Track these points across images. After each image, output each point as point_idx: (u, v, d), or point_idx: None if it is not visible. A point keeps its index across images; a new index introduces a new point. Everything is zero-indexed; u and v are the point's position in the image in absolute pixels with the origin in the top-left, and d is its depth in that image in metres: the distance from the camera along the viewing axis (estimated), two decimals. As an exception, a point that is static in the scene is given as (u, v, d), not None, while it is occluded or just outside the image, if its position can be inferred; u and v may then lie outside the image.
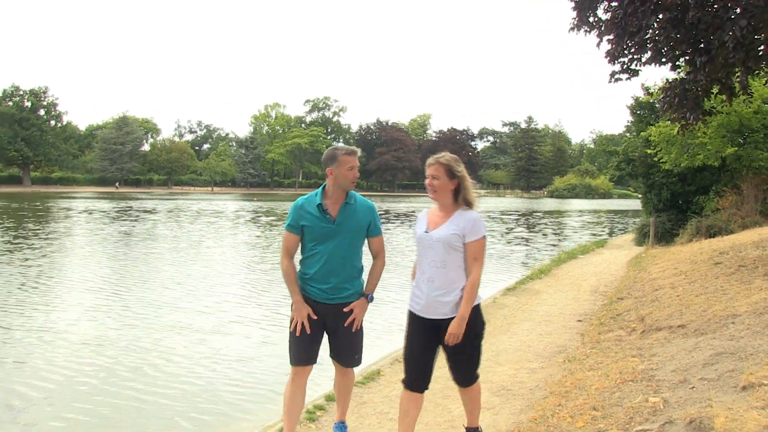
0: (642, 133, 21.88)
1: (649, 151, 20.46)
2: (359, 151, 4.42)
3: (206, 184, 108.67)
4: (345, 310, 4.33)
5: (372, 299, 4.46)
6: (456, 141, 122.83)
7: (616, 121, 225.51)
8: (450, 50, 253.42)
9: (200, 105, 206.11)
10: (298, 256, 4.45)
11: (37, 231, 25.61)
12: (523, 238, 28.66)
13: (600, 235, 30.02)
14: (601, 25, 10.22)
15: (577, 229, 36.33)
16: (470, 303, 3.97)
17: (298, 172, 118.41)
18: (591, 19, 10.38)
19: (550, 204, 74.00)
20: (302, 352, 4.36)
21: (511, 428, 4.91)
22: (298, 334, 4.31)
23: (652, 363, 5.48)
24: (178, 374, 7.53)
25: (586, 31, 10.44)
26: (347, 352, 4.47)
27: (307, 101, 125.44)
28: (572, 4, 10.39)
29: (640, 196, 27.94)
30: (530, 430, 4.60)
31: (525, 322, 9.24)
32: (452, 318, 3.98)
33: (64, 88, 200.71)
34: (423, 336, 4.14)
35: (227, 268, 16.76)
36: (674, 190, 22.07)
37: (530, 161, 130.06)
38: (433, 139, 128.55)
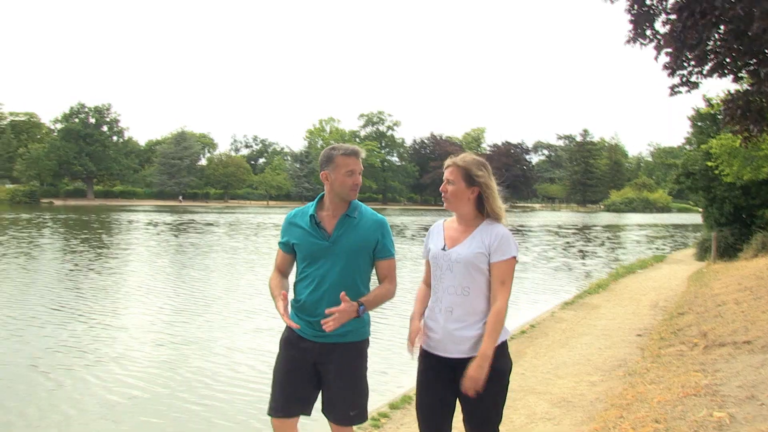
0: (703, 146, 21.46)
1: (710, 164, 20.04)
2: (363, 153, 3.56)
3: (262, 198, 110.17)
4: (328, 323, 3.23)
5: (363, 312, 3.40)
6: (510, 155, 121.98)
7: (675, 133, 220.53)
8: (505, 63, 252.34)
9: (256, 120, 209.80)
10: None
11: (114, 242, 26.66)
12: (580, 252, 28.32)
13: (659, 250, 29.45)
14: (659, 38, 10.18)
15: (635, 243, 35.68)
16: (495, 338, 3.11)
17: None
18: (648, 32, 10.35)
19: (606, 218, 72.74)
20: (278, 399, 3.51)
21: (573, 439, 4.94)
22: (287, 330, 3.55)
23: (716, 378, 5.44)
24: (249, 378, 7.76)
25: (642, 44, 10.40)
26: (341, 404, 3.46)
27: (362, 115, 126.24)
28: (629, 17, 10.37)
29: (700, 210, 27.31)
30: (592, 441, 4.62)
31: (584, 336, 9.20)
32: (473, 357, 3.11)
33: (125, 104, 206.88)
34: (438, 381, 3.28)
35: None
36: (737, 204, 21.54)
37: (586, 175, 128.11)
38: (488, 152, 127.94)
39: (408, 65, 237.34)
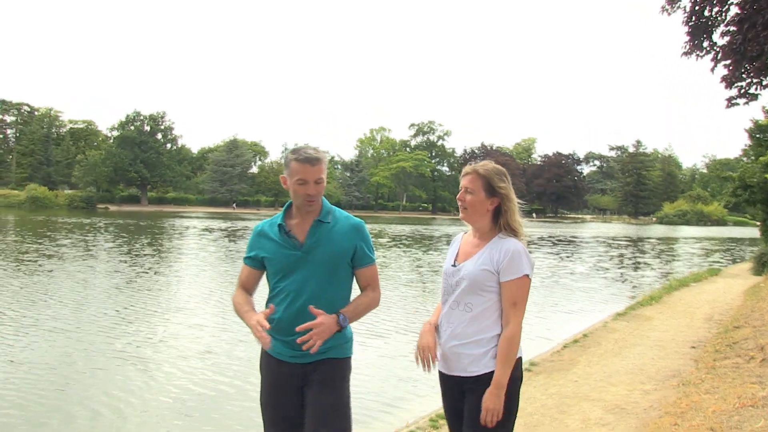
0: (761, 158, 21.04)
1: (768, 177, 19.67)
2: (326, 160, 3.11)
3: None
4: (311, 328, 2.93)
5: (345, 324, 3.08)
6: (561, 165, 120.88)
7: (732, 145, 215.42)
8: (557, 74, 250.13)
9: (306, 128, 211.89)
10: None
11: (180, 247, 27.78)
12: (634, 264, 27.99)
13: (714, 264, 28.91)
14: (717, 50, 10.15)
15: (689, 256, 35.06)
16: (508, 365, 2.95)
17: (401, 196, 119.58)
18: (705, 44, 10.33)
19: (659, 230, 71.47)
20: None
21: (627, 445, 5.03)
22: (262, 348, 3.13)
23: (773, 389, 5.46)
24: None
25: (699, 55, 10.38)
26: (319, 422, 3.02)
27: (412, 125, 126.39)
28: (686, 29, 10.37)
29: (758, 223, 26.71)
30: (647, 446, 4.71)
31: (637, 346, 9.21)
32: (478, 377, 3.00)
33: (179, 113, 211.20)
34: (451, 400, 3.19)
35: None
36: (797, 218, 21.07)
37: (638, 186, 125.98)
38: (538, 163, 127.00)
39: (460, 75, 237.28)
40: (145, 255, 23.43)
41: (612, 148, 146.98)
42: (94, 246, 26.63)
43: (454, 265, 3.17)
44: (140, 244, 28.68)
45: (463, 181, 3.15)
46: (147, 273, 18.19)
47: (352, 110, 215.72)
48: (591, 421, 5.73)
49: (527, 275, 3.00)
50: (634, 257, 32.06)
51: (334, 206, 3.32)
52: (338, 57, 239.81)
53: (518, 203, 3.15)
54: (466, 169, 3.17)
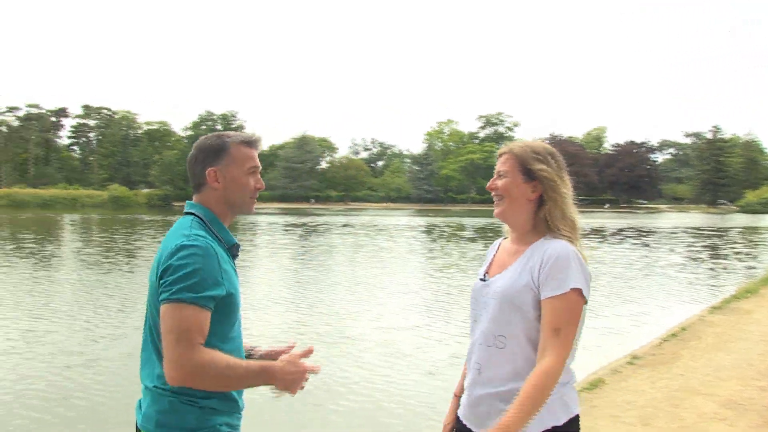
0: None
1: None
2: (261, 140, 2.39)
3: (381, 200, 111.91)
4: None
5: None
6: (634, 154, 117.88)
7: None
8: (627, 59, 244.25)
9: (374, 123, 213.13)
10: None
11: (268, 243, 28.31)
12: (720, 255, 27.10)
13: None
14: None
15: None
16: (527, 409, 2.08)
17: (470, 188, 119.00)
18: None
19: (741, 220, 68.83)
20: None
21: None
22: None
23: None
24: (372, 380, 7.91)
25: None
26: None
27: (480, 117, 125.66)
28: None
29: None
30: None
31: (740, 341, 9.00)
32: None
33: (249, 111, 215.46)
34: None
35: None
36: None
37: (717, 174, 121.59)
38: (610, 152, 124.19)
39: (527, 65, 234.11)
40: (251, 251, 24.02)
41: (688, 135, 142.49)
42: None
43: (483, 279, 2.40)
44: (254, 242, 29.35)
45: (497, 164, 2.42)
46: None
47: (419, 103, 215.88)
48: (707, 416, 5.68)
49: (577, 289, 2.15)
50: (721, 248, 31.06)
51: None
52: (405, 50, 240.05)
53: (573, 195, 2.42)
54: (501, 149, 2.45)
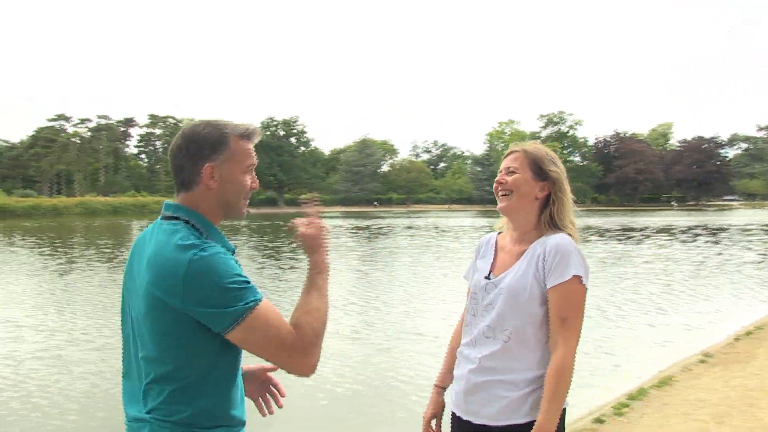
0: None
1: None
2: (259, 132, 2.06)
3: (443, 202, 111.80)
4: None
5: None
6: (702, 150, 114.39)
7: None
8: (694, 53, 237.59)
9: (435, 125, 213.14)
10: None
11: (372, 246, 28.88)
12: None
13: None
14: None
15: None
16: (558, 404, 2.22)
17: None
18: None
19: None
20: None
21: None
22: None
23: None
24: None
25: None
26: None
27: (542, 116, 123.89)
28: None
29: None
30: None
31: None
32: (508, 427, 2.30)
33: (310, 116, 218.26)
34: None
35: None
36: None
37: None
38: (677, 149, 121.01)
39: (589, 62, 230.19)
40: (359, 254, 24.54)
41: (761, 128, 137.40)
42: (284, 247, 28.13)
43: (488, 278, 2.46)
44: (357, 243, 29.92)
45: (505, 162, 2.50)
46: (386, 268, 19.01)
47: (480, 104, 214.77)
48: (787, 416, 5.64)
49: (578, 276, 2.26)
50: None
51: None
52: (465, 50, 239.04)
53: (573, 199, 2.52)
54: (511, 147, 2.53)
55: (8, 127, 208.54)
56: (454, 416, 2.49)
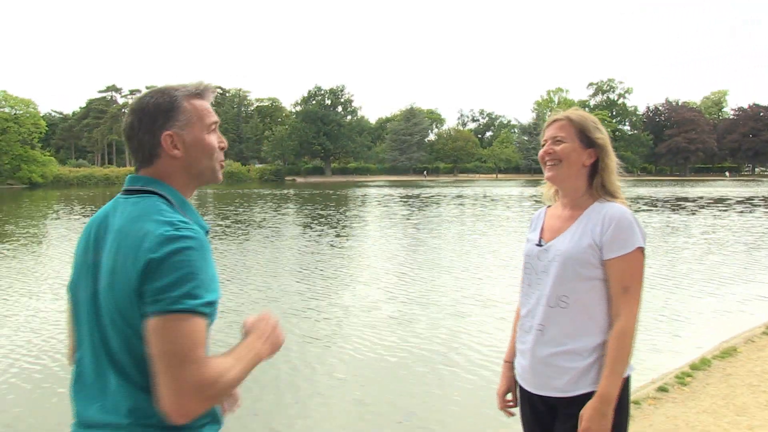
0: None
1: None
2: (213, 88, 1.90)
3: (490, 171, 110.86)
4: None
5: None
6: (759, 118, 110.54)
7: None
8: (748, 17, 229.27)
9: (482, 93, 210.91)
10: None
11: (425, 215, 28.75)
12: None
13: None
14: None
15: None
16: (620, 372, 2.26)
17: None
18: None
19: None
20: None
21: None
22: None
23: None
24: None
25: None
26: None
27: (591, 84, 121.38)
28: None
29: None
30: None
31: None
32: (576, 397, 2.33)
33: (357, 85, 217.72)
34: (535, 420, 2.53)
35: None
36: None
37: None
38: (731, 117, 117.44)
39: (640, 28, 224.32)
40: (410, 224, 24.67)
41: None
42: (344, 216, 28.39)
43: (539, 245, 2.49)
44: (375, 213, 30.14)
45: (550, 131, 2.50)
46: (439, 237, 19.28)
47: (528, 72, 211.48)
48: None
49: (640, 248, 2.30)
50: None
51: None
52: (511, 19, 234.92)
53: (618, 163, 2.50)
54: (554, 116, 2.52)
55: (61, 99, 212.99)
56: (522, 390, 2.55)
